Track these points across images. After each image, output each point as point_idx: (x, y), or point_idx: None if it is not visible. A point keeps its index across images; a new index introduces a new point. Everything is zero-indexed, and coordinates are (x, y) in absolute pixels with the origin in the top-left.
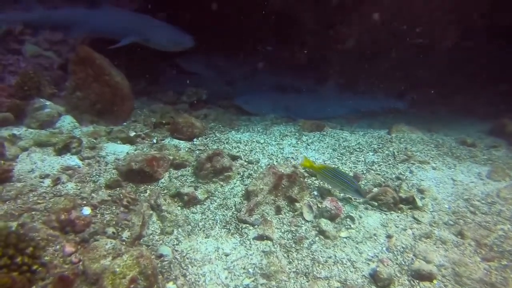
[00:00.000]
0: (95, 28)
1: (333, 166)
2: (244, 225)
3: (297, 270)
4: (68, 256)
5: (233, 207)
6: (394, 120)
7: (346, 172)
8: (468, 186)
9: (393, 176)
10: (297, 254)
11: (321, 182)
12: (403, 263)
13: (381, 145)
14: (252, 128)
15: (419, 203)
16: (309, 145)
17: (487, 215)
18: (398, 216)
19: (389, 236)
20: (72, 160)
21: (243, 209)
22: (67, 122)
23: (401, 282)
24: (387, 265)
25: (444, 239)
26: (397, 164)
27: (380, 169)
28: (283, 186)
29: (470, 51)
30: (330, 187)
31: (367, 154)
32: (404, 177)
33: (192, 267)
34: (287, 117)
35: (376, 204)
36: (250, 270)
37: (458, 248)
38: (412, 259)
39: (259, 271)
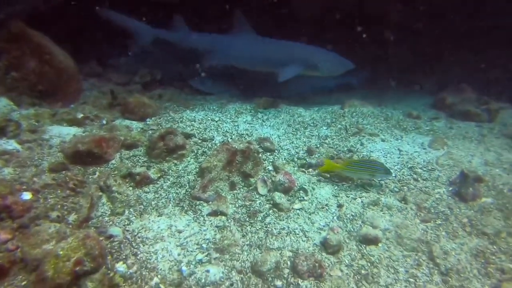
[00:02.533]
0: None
1: (355, 158)
2: (198, 202)
3: (251, 243)
4: (3, 244)
5: (187, 184)
6: (348, 96)
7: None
8: (412, 156)
9: (345, 148)
10: (251, 228)
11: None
12: (352, 230)
13: (334, 119)
14: (208, 107)
15: None
16: (264, 122)
17: (427, 181)
18: (349, 187)
19: (340, 206)
20: (9, 144)
21: (197, 186)
22: (2, 104)
23: (349, 247)
24: (337, 232)
25: (389, 205)
26: (349, 137)
27: (333, 143)
28: (237, 162)
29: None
30: (359, 179)
31: (321, 128)
32: (355, 149)
33: (143, 245)
34: (244, 96)
35: (328, 175)
36: (203, 245)
37: (402, 213)
38: (360, 225)
39: (212, 246)
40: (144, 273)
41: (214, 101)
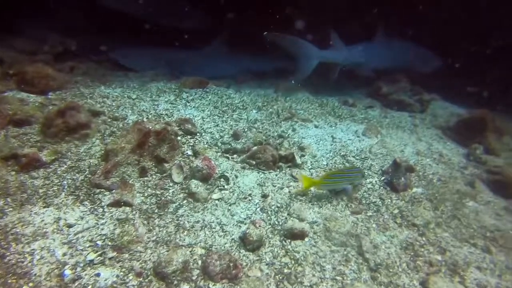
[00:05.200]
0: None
1: (336, 169)
2: (98, 190)
3: (157, 239)
4: None
5: (87, 169)
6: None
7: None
8: (346, 143)
9: (275, 134)
10: (160, 221)
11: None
12: (277, 223)
13: (266, 103)
14: (127, 84)
15: (299, 161)
16: (188, 102)
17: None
18: (276, 175)
19: (264, 196)
20: None
21: (98, 171)
22: None
23: (272, 243)
24: (259, 226)
25: (319, 196)
26: (281, 122)
27: (262, 127)
28: (150, 144)
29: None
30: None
31: (251, 111)
32: (287, 135)
33: (16, 244)
34: (171, 74)
35: (254, 162)
36: (98, 242)
37: (331, 204)
38: (286, 218)
39: (109, 243)
40: (10, 281)
41: (136, 78)
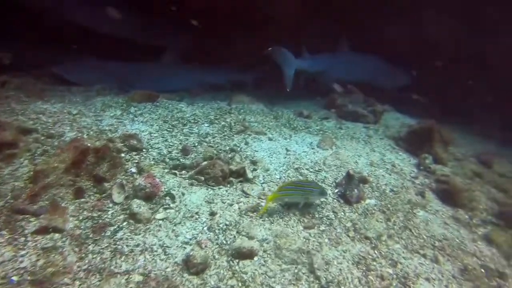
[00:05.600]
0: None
1: (290, 181)
2: (21, 217)
3: (90, 267)
4: None
5: (9, 194)
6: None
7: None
8: (300, 156)
9: (227, 148)
10: (94, 246)
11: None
12: (224, 242)
13: (219, 116)
14: (69, 99)
15: (250, 175)
16: (136, 117)
17: None
18: (226, 191)
19: (212, 214)
20: None
21: (23, 195)
22: None
23: (218, 264)
24: (205, 246)
25: (270, 211)
26: (233, 136)
27: (214, 141)
28: (88, 162)
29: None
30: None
31: (202, 125)
32: (239, 149)
33: None
34: (120, 88)
35: (202, 178)
36: (13, 278)
37: (283, 219)
38: (235, 236)
39: (28, 278)
40: None
41: (80, 93)
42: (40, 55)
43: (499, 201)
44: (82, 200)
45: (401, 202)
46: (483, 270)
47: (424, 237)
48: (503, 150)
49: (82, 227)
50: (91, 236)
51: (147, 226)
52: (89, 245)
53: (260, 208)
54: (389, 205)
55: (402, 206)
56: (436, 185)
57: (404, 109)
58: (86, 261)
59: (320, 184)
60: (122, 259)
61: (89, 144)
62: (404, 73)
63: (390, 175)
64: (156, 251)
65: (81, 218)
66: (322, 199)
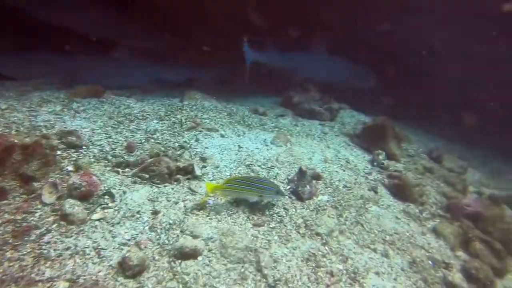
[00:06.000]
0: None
1: (243, 175)
2: None
3: (4, 277)
4: None
5: None
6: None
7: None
8: (253, 152)
9: (176, 144)
10: (14, 253)
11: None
12: (167, 242)
13: (169, 112)
14: (1, 94)
15: (198, 172)
16: (78, 113)
17: None
18: (172, 189)
19: (155, 212)
20: None
21: None
22: None
23: (158, 265)
24: (145, 247)
25: (218, 210)
26: (184, 132)
27: (162, 138)
28: (14, 161)
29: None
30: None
31: (151, 122)
32: (189, 146)
33: None
34: (62, 83)
35: (147, 176)
36: None
37: (231, 217)
38: (178, 236)
39: None
40: None
41: (15, 88)
42: None
43: (447, 195)
44: (4, 202)
45: (354, 198)
46: (430, 262)
47: (376, 231)
48: (451, 146)
49: (0, 232)
50: (10, 241)
51: (81, 228)
52: (7, 251)
53: (207, 206)
54: (341, 201)
55: (355, 202)
56: (388, 181)
57: (363, 108)
58: (1, 270)
59: (276, 183)
60: (47, 265)
61: (15, 141)
62: (370, 75)
63: (344, 171)
64: (88, 254)
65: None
66: (278, 200)
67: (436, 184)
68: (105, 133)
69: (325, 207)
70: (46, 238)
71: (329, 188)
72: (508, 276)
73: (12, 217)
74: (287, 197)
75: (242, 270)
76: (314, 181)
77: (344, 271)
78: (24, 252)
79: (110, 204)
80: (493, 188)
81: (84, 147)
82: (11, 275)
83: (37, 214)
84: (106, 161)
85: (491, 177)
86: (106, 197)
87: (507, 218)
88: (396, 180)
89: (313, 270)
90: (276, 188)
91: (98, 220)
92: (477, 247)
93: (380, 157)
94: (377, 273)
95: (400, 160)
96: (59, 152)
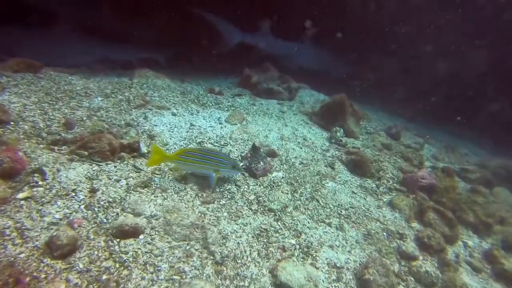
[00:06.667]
0: None
1: (197, 147)
2: None
3: None
4: None
5: None
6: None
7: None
8: (205, 130)
9: (123, 122)
10: None
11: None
12: (105, 221)
13: (116, 90)
14: None
15: (144, 150)
16: (7, 88)
17: None
18: (115, 166)
19: (93, 191)
20: None
21: None
22: None
23: (93, 245)
24: (78, 226)
25: (164, 187)
26: (131, 110)
27: (107, 115)
28: None
29: None
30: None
31: (95, 99)
32: (136, 123)
33: None
34: None
35: (86, 153)
36: None
37: (178, 195)
38: (118, 214)
39: None
40: None
41: None
42: None
43: (404, 170)
44: None
45: (310, 174)
46: (385, 234)
47: (331, 206)
48: (409, 124)
49: None
50: None
51: (2, 207)
52: None
53: (151, 183)
54: (297, 177)
55: (311, 178)
56: (346, 157)
57: (321, 87)
58: None
59: (231, 157)
60: None
61: None
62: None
63: (301, 148)
64: (8, 235)
65: None
66: (235, 176)
67: (393, 160)
68: (40, 109)
69: (280, 183)
70: None
71: (284, 165)
72: (458, 242)
73: None
74: (243, 172)
75: (188, 247)
76: (269, 158)
77: (297, 246)
78: None
79: (40, 183)
80: (448, 162)
81: (11, 122)
82: None
83: None
84: (40, 139)
85: (446, 152)
86: (36, 175)
87: (459, 189)
88: (354, 156)
89: (264, 245)
90: (232, 162)
91: (25, 199)
92: (431, 217)
93: (338, 134)
94: (331, 246)
95: (358, 137)
96: None
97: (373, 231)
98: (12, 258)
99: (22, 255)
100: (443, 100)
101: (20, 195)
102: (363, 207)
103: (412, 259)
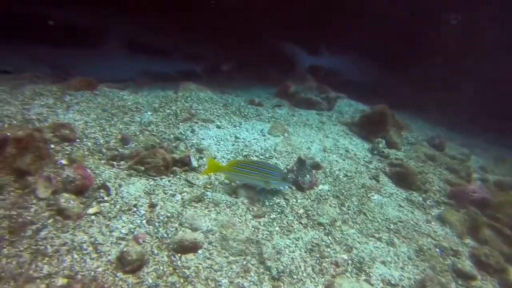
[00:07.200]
0: None
1: (248, 159)
2: None
3: (3, 274)
4: None
5: None
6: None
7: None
8: (250, 143)
9: (172, 136)
10: (11, 249)
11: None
12: (165, 235)
13: (163, 104)
14: None
15: (195, 164)
16: (71, 106)
17: None
18: (169, 181)
19: (152, 206)
20: None
21: None
22: None
23: (157, 260)
24: (143, 241)
25: (217, 201)
26: (179, 124)
27: (157, 129)
28: (7, 154)
29: None
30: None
31: (145, 114)
32: (184, 137)
33: None
34: (56, 76)
35: (142, 168)
36: None
37: (230, 209)
38: (177, 229)
39: None
40: None
41: (8, 81)
42: None
43: (451, 182)
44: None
45: (355, 187)
46: (437, 250)
47: (379, 220)
48: (451, 134)
49: None
50: (7, 237)
51: (77, 223)
52: (4, 248)
53: (205, 198)
54: (343, 190)
55: (357, 191)
56: (389, 169)
57: (360, 97)
58: None
59: (281, 168)
60: (45, 261)
61: (8, 134)
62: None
63: (344, 160)
64: (86, 249)
65: None
66: (282, 189)
67: (438, 172)
68: (99, 126)
69: (326, 196)
70: (42, 234)
71: (329, 178)
72: None
73: (8, 212)
74: (290, 186)
75: (245, 262)
76: (313, 171)
77: (350, 261)
78: (21, 248)
79: (105, 198)
80: (498, 174)
81: (78, 140)
82: (9, 272)
83: (32, 210)
84: (101, 154)
85: (495, 164)
86: (101, 190)
87: None
88: (398, 168)
89: (317, 260)
90: (282, 175)
91: (94, 214)
92: (486, 234)
93: (380, 145)
94: (383, 262)
95: (400, 148)
96: (52, 146)
97: (424, 247)
98: (93, 272)
99: (100, 269)
100: (485, 109)
101: (90, 210)
102: (411, 222)
103: (470, 279)
